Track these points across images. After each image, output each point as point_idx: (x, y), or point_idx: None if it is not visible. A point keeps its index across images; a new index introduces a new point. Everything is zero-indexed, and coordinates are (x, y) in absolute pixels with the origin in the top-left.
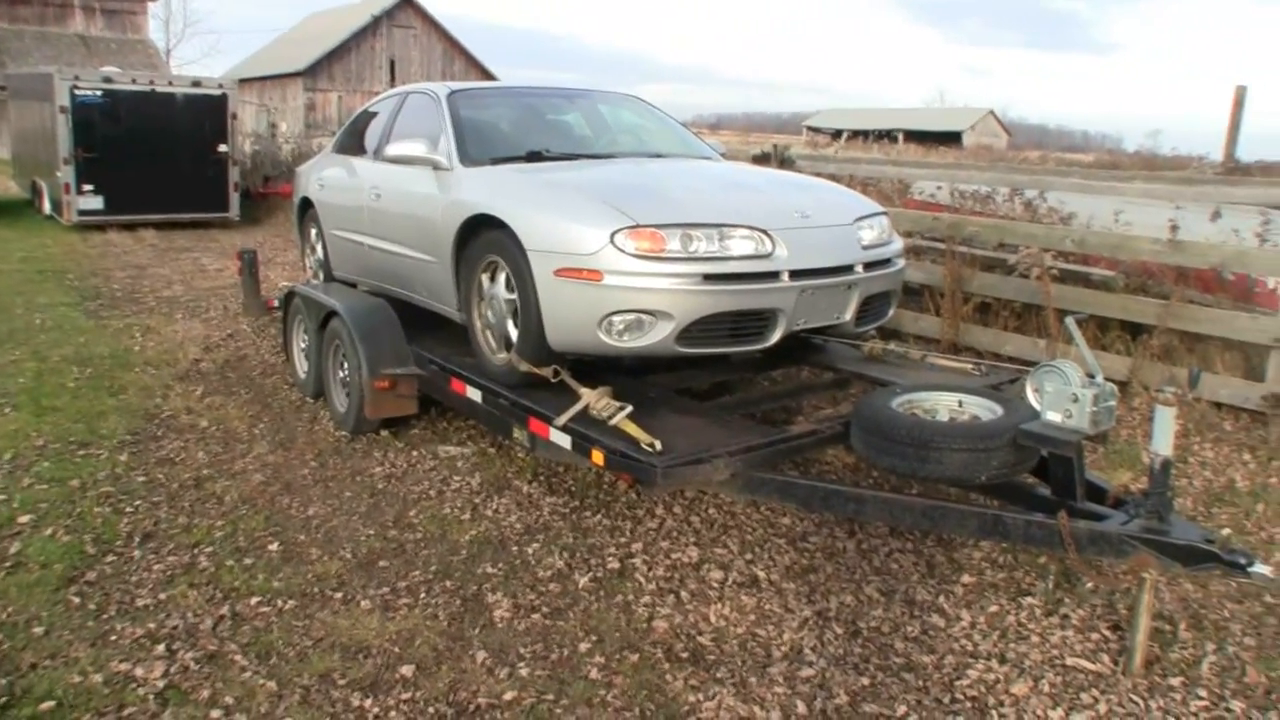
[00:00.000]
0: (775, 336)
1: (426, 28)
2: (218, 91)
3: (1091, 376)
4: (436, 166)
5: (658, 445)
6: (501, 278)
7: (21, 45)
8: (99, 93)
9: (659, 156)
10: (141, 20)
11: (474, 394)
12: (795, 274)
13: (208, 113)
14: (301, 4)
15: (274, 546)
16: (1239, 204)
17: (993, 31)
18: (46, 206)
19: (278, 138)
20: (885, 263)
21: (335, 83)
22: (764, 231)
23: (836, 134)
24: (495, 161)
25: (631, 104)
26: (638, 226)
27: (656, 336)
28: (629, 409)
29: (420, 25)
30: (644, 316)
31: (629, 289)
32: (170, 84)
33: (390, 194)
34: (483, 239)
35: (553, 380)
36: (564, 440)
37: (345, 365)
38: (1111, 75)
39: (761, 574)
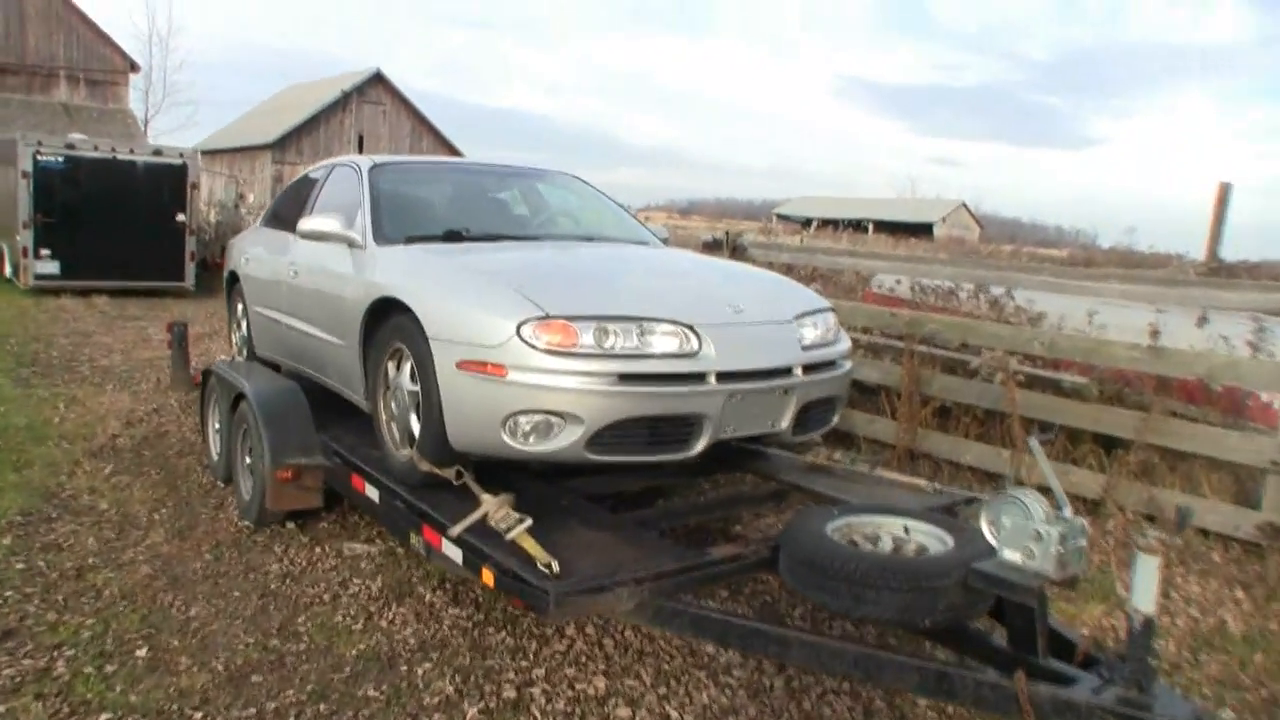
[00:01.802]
0: (699, 446)
1: (396, 104)
2: (178, 161)
3: (1058, 509)
4: (351, 244)
5: (555, 566)
6: (406, 367)
7: (7, 113)
8: (60, 159)
9: (589, 240)
10: (123, 90)
11: (373, 492)
12: (723, 376)
13: (168, 181)
14: (281, 79)
15: (142, 652)
16: (1228, 309)
17: (963, 123)
18: (7, 270)
19: (241, 208)
20: (829, 365)
21: (304, 156)
22: (689, 327)
23: (806, 222)
24: (410, 240)
25: (570, 184)
26: (547, 318)
27: (564, 441)
28: (528, 522)
29: (390, 101)
30: (551, 418)
31: (535, 387)
32: (131, 152)
33: (306, 270)
34: (390, 324)
35: (455, 483)
36: (455, 553)
37: (252, 451)
38: (1086, 171)
39: (674, 713)
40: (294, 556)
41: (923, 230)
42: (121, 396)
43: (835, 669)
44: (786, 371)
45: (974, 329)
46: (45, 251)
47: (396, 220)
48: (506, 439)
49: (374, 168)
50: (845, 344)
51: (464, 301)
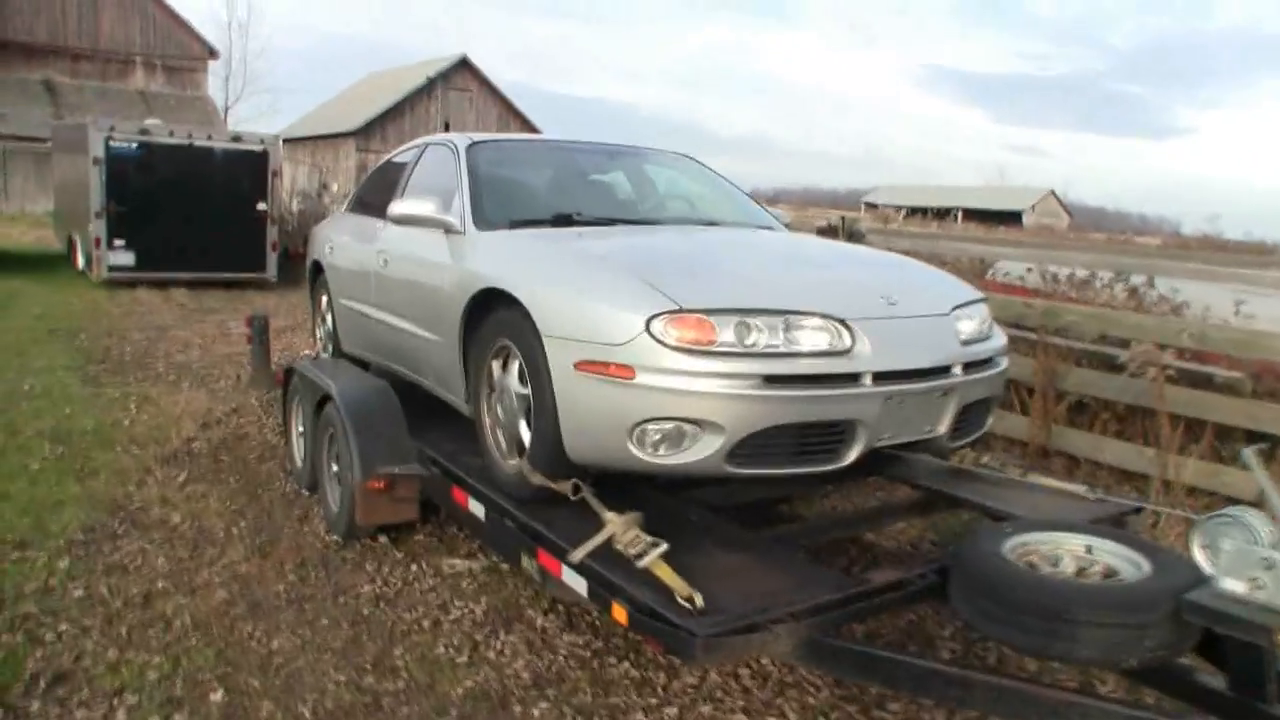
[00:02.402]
0: (852, 455)
1: (482, 90)
2: (259, 148)
3: None
4: (448, 229)
5: (699, 600)
6: (514, 367)
7: (81, 99)
8: (134, 145)
9: (712, 225)
10: (201, 78)
11: (477, 508)
12: (880, 377)
13: (247, 169)
14: (363, 68)
15: (217, 696)
16: None
17: (1046, 112)
18: (80, 261)
19: (325, 197)
20: (987, 362)
21: (388, 144)
22: (841, 321)
23: (895, 210)
24: (514, 225)
25: (683, 164)
26: (681, 312)
27: (701, 453)
28: (663, 546)
29: (476, 88)
30: (686, 427)
31: (667, 391)
32: (210, 138)
33: (398, 259)
34: (494, 318)
35: (573, 498)
36: (578, 583)
37: (339, 458)
38: (1171, 160)
39: None
40: (388, 576)
41: (1011, 218)
42: (198, 395)
43: (1028, 718)
44: (946, 370)
45: (1116, 320)
46: (119, 242)
47: (499, 203)
48: (634, 450)
49: (472, 146)
50: (1001, 338)
51: (582, 294)
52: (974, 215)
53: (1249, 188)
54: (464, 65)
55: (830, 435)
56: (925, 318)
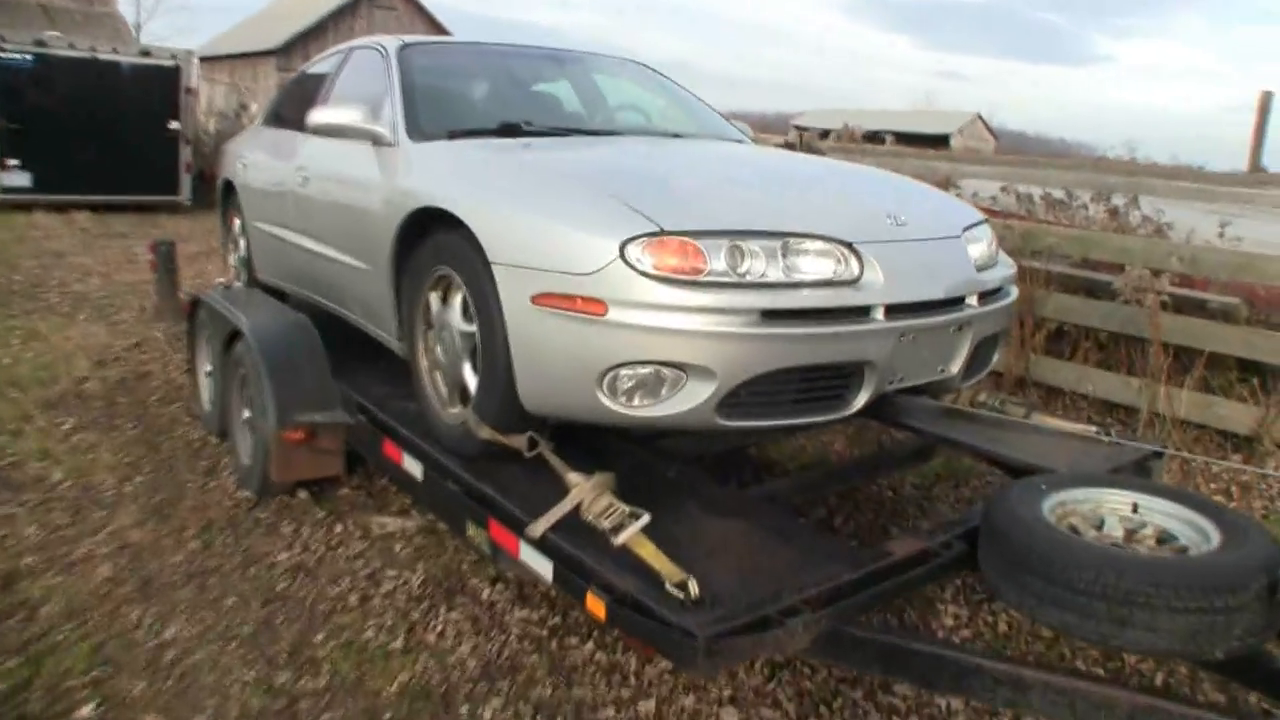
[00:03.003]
0: (860, 401)
1: (409, 9)
2: (170, 62)
3: None
4: (376, 140)
5: (693, 587)
6: (456, 300)
7: None
8: (29, 57)
9: (676, 137)
10: None
11: (413, 465)
12: (892, 310)
13: (158, 86)
14: None
15: (86, 711)
16: None
17: (970, 39)
18: None
19: (244, 117)
20: (997, 292)
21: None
22: (847, 246)
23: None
24: (454, 135)
25: (636, 71)
26: (662, 234)
27: (686, 403)
28: (645, 518)
29: (403, 6)
30: (667, 372)
31: (646, 330)
32: (115, 51)
33: (319, 176)
34: (432, 243)
35: (527, 454)
36: (541, 564)
37: (252, 403)
38: (1089, 87)
39: None
40: (308, 540)
41: (939, 142)
42: (95, 329)
43: None
44: (961, 302)
45: (1100, 242)
46: (13, 162)
47: (435, 110)
48: (604, 399)
49: (405, 48)
50: (1010, 265)
51: (542, 213)
52: (903, 139)
53: (1165, 114)
54: None
55: (836, 379)
56: (937, 240)
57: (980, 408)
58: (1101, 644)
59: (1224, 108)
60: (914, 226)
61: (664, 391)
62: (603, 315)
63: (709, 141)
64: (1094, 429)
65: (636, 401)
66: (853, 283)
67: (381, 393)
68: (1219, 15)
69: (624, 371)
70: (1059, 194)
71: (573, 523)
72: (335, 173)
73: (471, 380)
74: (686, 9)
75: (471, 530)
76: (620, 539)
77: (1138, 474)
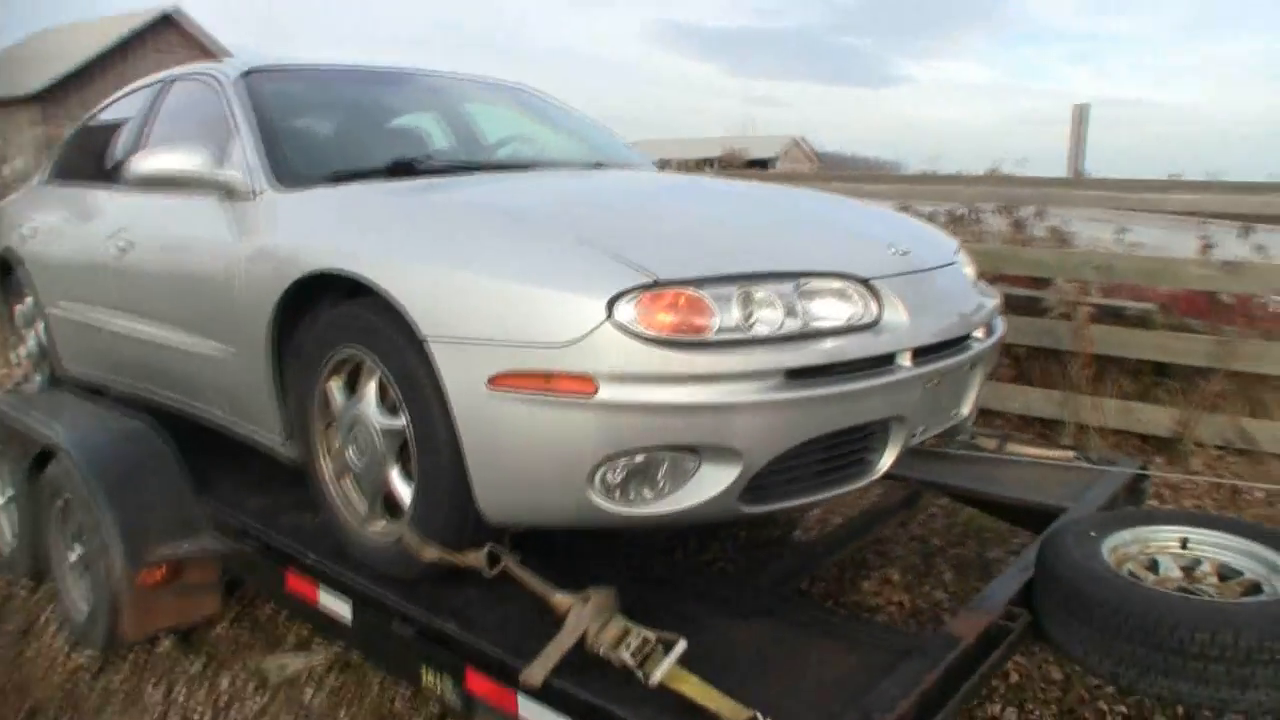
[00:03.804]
0: (886, 464)
1: (191, 52)
2: None
3: None
4: (229, 193)
5: None
6: (370, 388)
7: None
8: None
9: (599, 167)
10: None
11: (336, 604)
12: (919, 354)
13: None
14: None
15: None
16: None
17: (780, 65)
18: None
19: (3, 170)
20: (993, 322)
21: (84, 109)
22: (863, 283)
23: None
24: (337, 180)
25: (522, 94)
26: (658, 286)
27: (706, 491)
28: (681, 646)
29: (183, 48)
30: (681, 458)
31: (652, 409)
32: None
33: (146, 243)
34: (329, 318)
35: (488, 574)
36: None
37: (83, 538)
38: (892, 106)
39: None
40: (186, 705)
41: (763, 166)
42: None
43: None
44: (970, 337)
45: (1012, 256)
46: None
47: (306, 149)
48: (597, 500)
49: (250, 75)
50: (995, 294)
51: (492, 271)
52: (727, 165)
53: (963, 128)
54: (168, 22)
55: (859, 441)
56: (942, 269)
57: (951, 447)
58: (1220, 709)
59: (1013, 120)
60: (916, 255)
61: (675, 482)
62: (591, 395)
63: (636, 172)
64: (1071, 454)
65: (640, 497)
66: (873, 326)
67: (261, 505)
68: (1000, 35)
69: (621, 463)
70: (961, 210)
71: (576, 658)
72: (170, 237)
73: (403, 488)
74: (493, 40)
75: (430, 679)
76: (657, 676)
77: (1131, 499)
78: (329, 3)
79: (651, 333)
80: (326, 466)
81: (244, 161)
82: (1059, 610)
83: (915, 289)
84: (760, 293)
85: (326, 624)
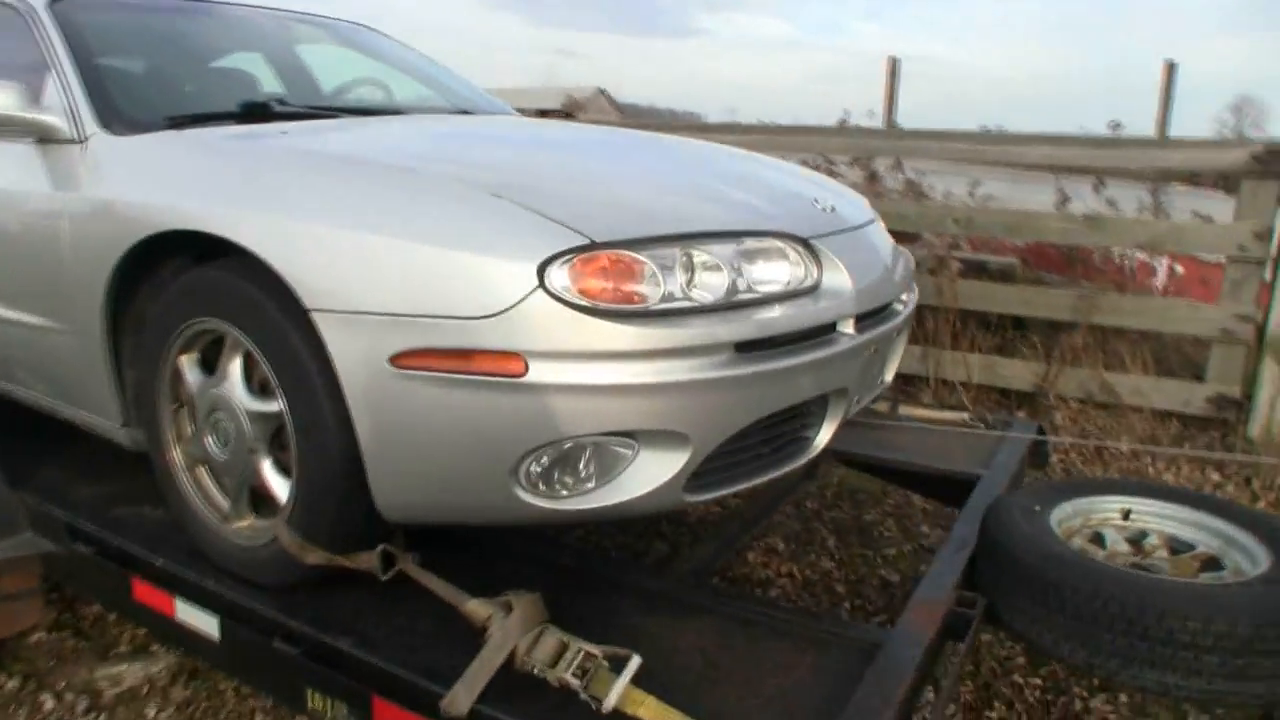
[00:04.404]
0: (823, 440)
1: None
2: None
3: None
4: (45, 136)
5: None
6: (233, 366)
7: None
8: None
9: (466, 114)
10: None
11: (197, 618)
12: (861, 320)
13: None
14: None
15: None
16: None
17: (579, 16)
18: None
19: None
20: (911, 282)
21: None
22: (803, 243)
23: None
24: (176, 123)
25: (370, 36)
26: (594, 248)
27: (648, 482)
28: (636, 661)
29: None
30: (618, 444)
31: (590, 390)
32: None
33: None
34: (181, 285)
35: (383, 577)
36: None
37: None
38: (690, 59)
39: None
40: None
41: (567, 117)
42: None
43: None
44: (899, 299)
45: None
46: None
47: (137, 89)
48: (523, 495)
49: (57, 1)
50: (907, 252)
51: (393, 230)
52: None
53: (760, 82)
54: None
55: (798, 418)
56: (866, 227)
57: None
58: (1213, 703)
59: (807, 76)
60: (842, 212)
61: (610, 471)
62: (520, 376)
63: (508, 119)
64: (965, 415)
65: (570, 489)
66: (813, 291)
67: (91, 495)
68: None
69: (548, 453)
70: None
71: (502, 678)
72: None
73: (276, 481)
74: None
75: (318, 703)
76: (612, 700)
77: (1035, 462)
78: None
79: (588, 302)
80: (176, 456)
81: (65, 101)
82: (1018, 595)
83: (851, 249)
84: (701, 255)
85: (185, 641)
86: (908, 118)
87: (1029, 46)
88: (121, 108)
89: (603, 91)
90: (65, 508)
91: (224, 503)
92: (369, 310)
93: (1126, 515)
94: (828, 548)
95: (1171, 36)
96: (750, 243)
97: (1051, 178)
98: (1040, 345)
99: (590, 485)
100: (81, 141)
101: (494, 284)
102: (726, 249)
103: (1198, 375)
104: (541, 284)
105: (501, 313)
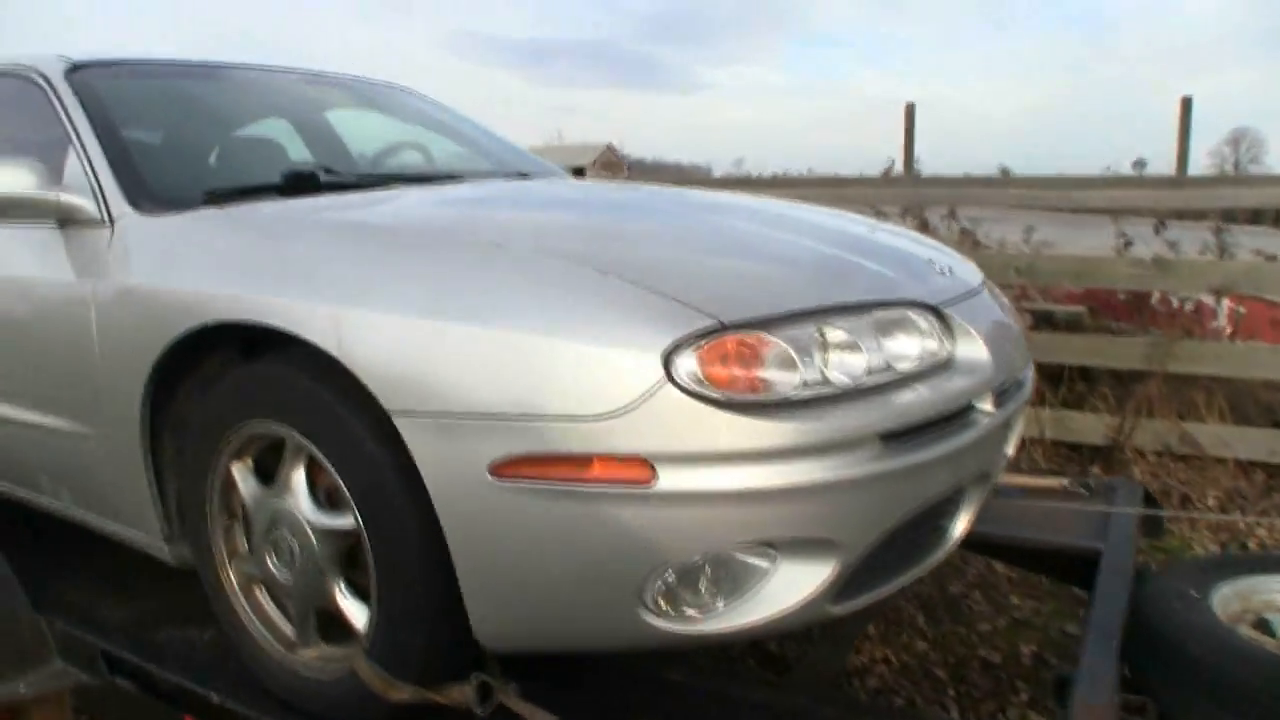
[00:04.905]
0: (960, 531)
1: None
2: None
3: None
4: (67, 219)
5: None
6: (296, 475)
7: None
8: None
9: (525, 177)
10: None
11: None
12: (999, 395)
13: None
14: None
15: None
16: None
17: (581, 74)
18: None
19: None
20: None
21: None
22: (934, 311)
23: None
24: (216, 200)
25: (410, 97)
26: (724, 330)
27: (792, 595)
28: None
29: None
30: (757, 556)
31: (724, 498)
32: None
33: None
34: (233, 382)
35: (480, 712)
36: None
37: None
38: (696, 113)
39: None
40: None
41: (577, 173)
42: None
43: None
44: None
45: None
46: None
47: (170, 163)
48: (648, 617)
49: (77, 70)
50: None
51: (486, 318)
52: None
53: (766, 131)
54: None
55: (940, 512)
56: (983, 291)
57: None
58: None
59: (808, 121)
60: (960, 275)
61: (748, 588)
62: (648, 484)
63: (570, 181)
64: (1065, 480)
65: (701, 611)
66: (948, 365)
67: (127, 616)
68: (796, 40)
69: (679, 570)
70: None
71: None
72: None
73: (351, 605)
74: (300, 49)
75: None
76: None
77: (1149, 529)
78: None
79: (720, 394)
80: (229, 576)
81: (88, 180)
82: (1200, 699)
83: (979, 315)
84: (835, 333)
85: None
86: (924, 162)
87: (1031, 85)
88: (152, 184)
89: (610, 147)
90: (99, 632)
91: (288, 629)
92: (463, 412)
93: None
94: (918, 626)
95: (1163, 74)
96: (879, 314)
97: (1097, 220)
98: (1110, 396)
99: (724, 603)
100: (109, 223)
101: (613, 377)
102: (860, 323)
103: (1276, 422)
104: (667, 373)
105: (623, 411)
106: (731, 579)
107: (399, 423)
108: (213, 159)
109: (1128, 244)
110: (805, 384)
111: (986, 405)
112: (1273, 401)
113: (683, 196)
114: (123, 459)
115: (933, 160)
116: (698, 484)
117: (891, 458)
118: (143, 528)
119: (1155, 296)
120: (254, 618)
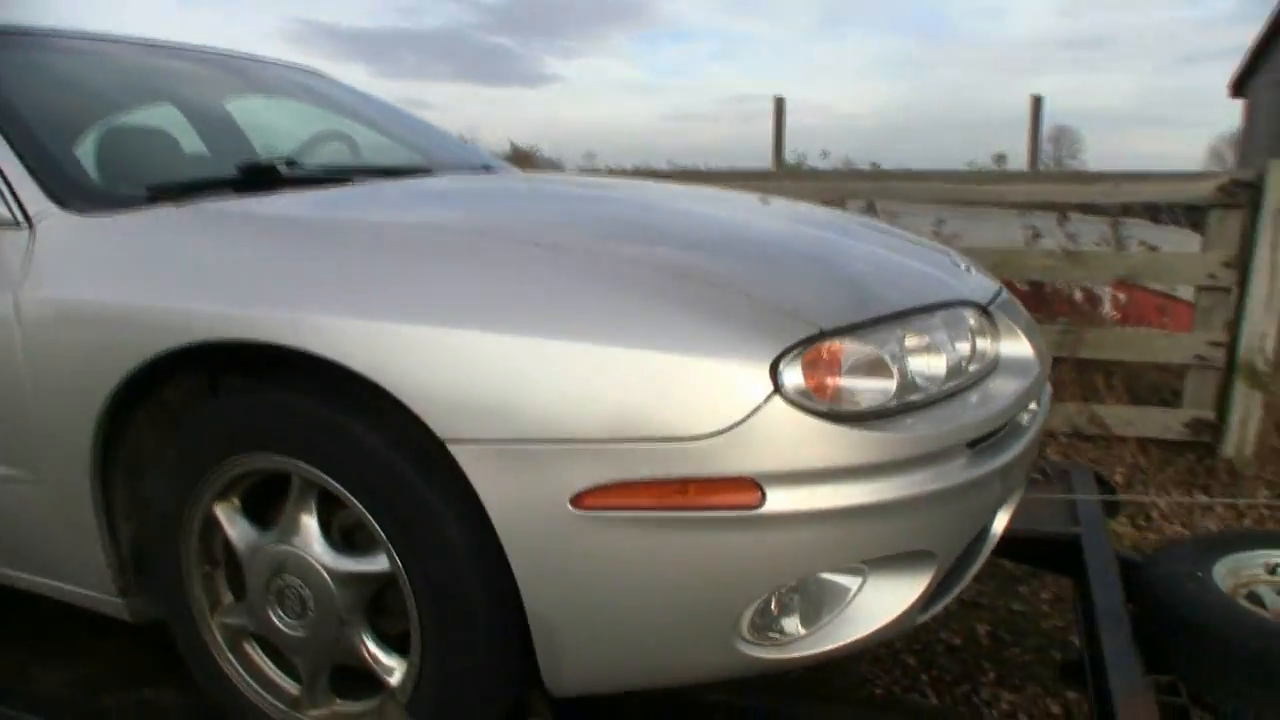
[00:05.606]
0: (1000, 529)
1: None
2: None
3: None
4: None
5: None
6: (306, 518)
7: None
8: None
9: (487, 170)
10: None
11: None
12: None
13: None
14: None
15: None
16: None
17: (428, 66)
18: None
19: None
20: None
21: None
22: (982, 310)
23: None
24: (158, 197)
25: (329, 84)
26: (823, 337)
27: (889, 610)
28: None
29: None
30: (847, 575)
31: (833, 516)
32: None
33: None
34: (215, 414)
35: None
36: None
37: None
38: (546, 106)
39: None
40: None
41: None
42: None
43: None
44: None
45: None
46: None
47: (106, 153)
48: (744, 647)
49: None
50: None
51: (554, 330)
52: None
53: (614, 125)
54: None
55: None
56: (1004, 289)
57: None
58: None
59: (659, 116)
60: (979, 274)
61: (839, 607)
62: (756, 507)
63: (565, 176)
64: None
65: (793, 636)
66: (997, 366)
67: (62, 683)
68: (645, 36)
69: (779, 595)
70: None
71: None
72: None
73: (383, 657)
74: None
75: None
76: None
77: (1109, 510)
78: None
79: (826, 406)
80: (212, 630)
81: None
82: (1225, 675)
83: (1013, 314)
84: (914, 337)
85: None
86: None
87: (873, 86)
88: (81, 179)
89: (462, 138)
90: (35, 711)
91: (290, 685)
92: (537, 438)
93: (1274, 570)
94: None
95: (997, 77)
96: (942, 315)
97: (996, 213)
98: None
99: (816, 625)
100: (26, 225)
101: (716, 392)
102: (932, 324)
103: (1164, 401)
104: (776, 386)
105: (729, 429)
106: (821, 599)
107: (455, 451)
108: (159, 149)
109: (1036, 235)
110: (899, 391)
111: (1033, 404)
112: (1159, 382)
113: (687, 195)
114: (65, 506)
115: (794, 153)
116: (806, 503)
117: (979, 464)
118: (89, 583)
119: (1048, 288)
120: (245, 675)
